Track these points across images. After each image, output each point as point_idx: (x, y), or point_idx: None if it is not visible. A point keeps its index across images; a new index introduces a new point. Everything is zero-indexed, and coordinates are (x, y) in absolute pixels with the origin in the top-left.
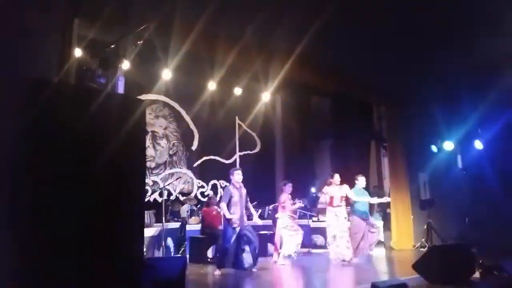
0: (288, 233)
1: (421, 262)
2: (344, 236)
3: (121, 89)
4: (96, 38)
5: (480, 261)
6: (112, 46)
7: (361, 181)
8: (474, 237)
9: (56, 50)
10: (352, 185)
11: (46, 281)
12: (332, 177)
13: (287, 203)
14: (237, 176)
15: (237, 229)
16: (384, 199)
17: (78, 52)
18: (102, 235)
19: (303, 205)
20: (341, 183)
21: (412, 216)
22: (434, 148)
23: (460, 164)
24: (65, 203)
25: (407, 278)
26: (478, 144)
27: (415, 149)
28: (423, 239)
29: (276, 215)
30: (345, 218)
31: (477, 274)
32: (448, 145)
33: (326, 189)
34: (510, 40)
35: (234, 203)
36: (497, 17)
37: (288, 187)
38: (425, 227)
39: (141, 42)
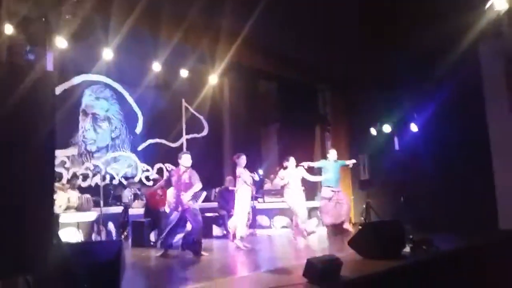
0: (244, 209)
1: (355, 238)
2: (304, 214)
3: (50, 66)
4: (30, 15)
5: (411, 236)
6: (41, 20)
7: (332, 154)
8: (409, 215)
9: None
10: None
11: None
12: (287, 160)
13: (244, 175)
14: (182, 160)
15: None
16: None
17: (9, 29)
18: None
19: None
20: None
21: (352, 196)
22: (373, 131)
23: (397, 146)
24: None
25: (343, 255)
26: (414, 127)
27: (357, 132)
28: (362, 218)
29: (235, 189)
30: (304, 198)
31: (407, 249)
32: (386, 128)
33: (282, 173)
34: (442, 34)
35: (173, 185)
36: (431, 13)
37: (242, 160)
38: (364, 206)
39: (70, 16)
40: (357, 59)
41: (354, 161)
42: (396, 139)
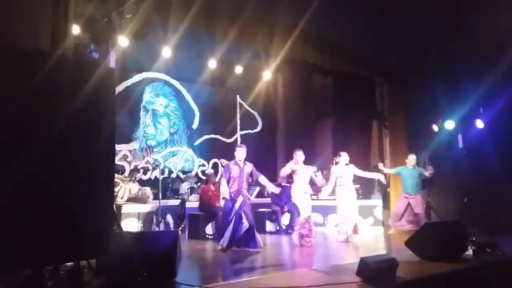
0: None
1: (414, 239)
2: (351, 214)
3: (112, 64)
4: (94, 15)
5: (474, 239)
6: (105, 20)
7: (410, 159)
8: (472, 216)
9: (49, 25)
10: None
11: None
12: (340, 155)
13: (297, 172)
14: (237, 153)
15: (236, 206)
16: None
17: (76, 29)
18: (61, 205)
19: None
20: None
21: None
22: (435, 127)
23: (460, 144)
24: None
25: (400, 255)
26: (480, 123)
27: (416, 128)
28: None
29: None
30: (356, 196)
31: (470, 251)
32: (449, 124)
33: (333, 168)
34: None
35: (232, 179)
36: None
37: (299, 155)
38: (424, 206)
39: (131, 15)
40: (417, 50)
41: (431, 171)
42: (460, 136)
